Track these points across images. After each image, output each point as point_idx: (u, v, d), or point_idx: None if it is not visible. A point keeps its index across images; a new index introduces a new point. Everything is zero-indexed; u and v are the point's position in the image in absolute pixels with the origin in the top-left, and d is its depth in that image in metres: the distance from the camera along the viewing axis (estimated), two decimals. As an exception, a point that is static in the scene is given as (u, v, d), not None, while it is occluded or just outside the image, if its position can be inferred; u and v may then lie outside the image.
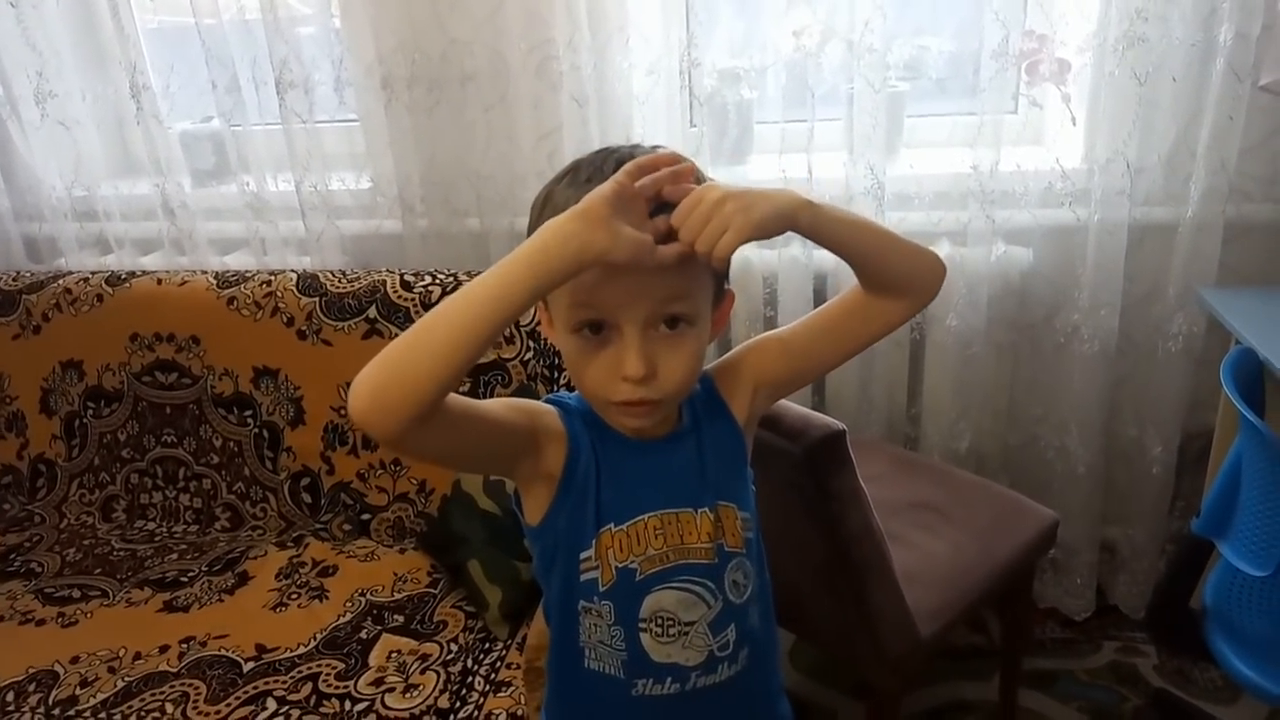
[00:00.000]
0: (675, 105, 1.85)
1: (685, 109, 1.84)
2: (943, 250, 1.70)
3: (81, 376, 1.84)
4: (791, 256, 1.73)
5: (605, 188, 0.68)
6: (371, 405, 0.66)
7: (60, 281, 1.88)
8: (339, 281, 1.75)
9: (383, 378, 0.66)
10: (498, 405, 0.79)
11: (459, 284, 1.72)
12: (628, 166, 0.70)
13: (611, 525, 0.81)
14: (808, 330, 0.87)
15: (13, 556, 1.71)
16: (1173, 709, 1.64)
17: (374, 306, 1.71)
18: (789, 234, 1.80)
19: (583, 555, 0.81)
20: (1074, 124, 1.65)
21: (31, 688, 1.36)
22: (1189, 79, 1.54)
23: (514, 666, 1.32)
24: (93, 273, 1.90)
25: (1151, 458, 1.73)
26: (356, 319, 1.71)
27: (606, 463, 0.81)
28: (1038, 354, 1.76)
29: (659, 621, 0.82)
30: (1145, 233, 1.65)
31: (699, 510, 0.83)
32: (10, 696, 1.34)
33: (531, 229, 0.76)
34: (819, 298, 1.76)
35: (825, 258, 1.74)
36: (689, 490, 0.83)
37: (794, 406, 1.21)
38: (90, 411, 1.84)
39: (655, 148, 0.77)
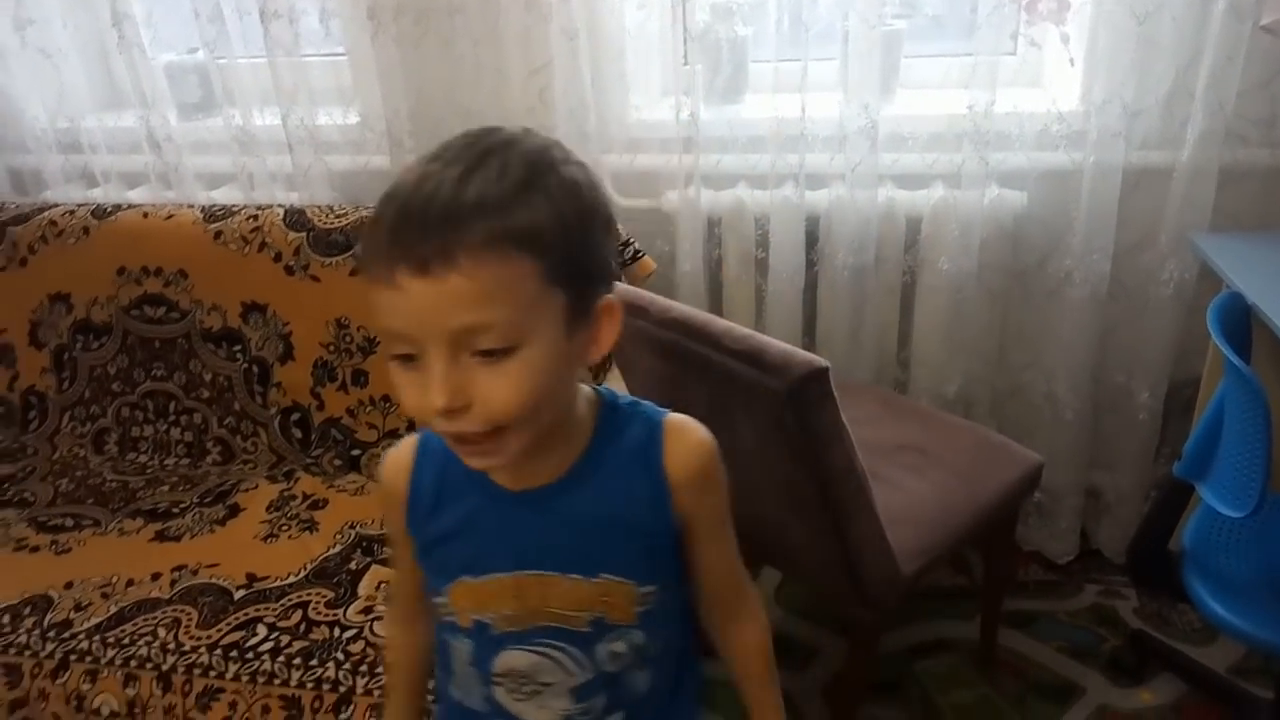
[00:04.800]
0: (668, 41, 1.83)
1: (679, 45, 1.81)
2: (936, 192, 1.68)
3: (70, 309, 1.83)
4: (784, 197, 1.72)
5: None
6: None
7: (46, 214, 1.86)
8: (326, 217, 1.74)
9: None
10: (408, 554, 0.81)
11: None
12: None
13: (466, 577, 0.75)
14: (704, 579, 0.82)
15: (6, 486, 1.72)
16: (1150, 650, 1.67)
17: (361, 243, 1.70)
18: (784, 175, 1.77)
19: (438, 600, 0.78)
20: (1072, 65, 1.63)
21: (27, 611, 1.37)
22: (1189, 18, 1.51)
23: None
24: (78, 205, 1.88)
25: (1139, 404, 1.74)
26: (344, 255, 1.70)
27: (465, 511, 0.75)
28: (1029, 299, 1.76)
29: (513, 678, 0.77)
30: (1140, 177, 1.64)
31: (569, 576, 0.73)
32: (6, 619, 1.36)
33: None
34: (811, 240, 1.75)
35: (818, 200, 1.73)
36: (558, 554, 0.73)
37: (777, 343, 1.21)
38: (79, 344, 1.84)
39: (527, 132, 0.67)
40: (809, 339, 1.83)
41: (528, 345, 0.63)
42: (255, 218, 1.75)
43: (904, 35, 1.72)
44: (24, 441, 1.86)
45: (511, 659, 0.76)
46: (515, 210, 0.61)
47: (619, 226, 1.71)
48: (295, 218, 1.74)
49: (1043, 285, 1.74)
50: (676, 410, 0.76)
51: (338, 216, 1.73)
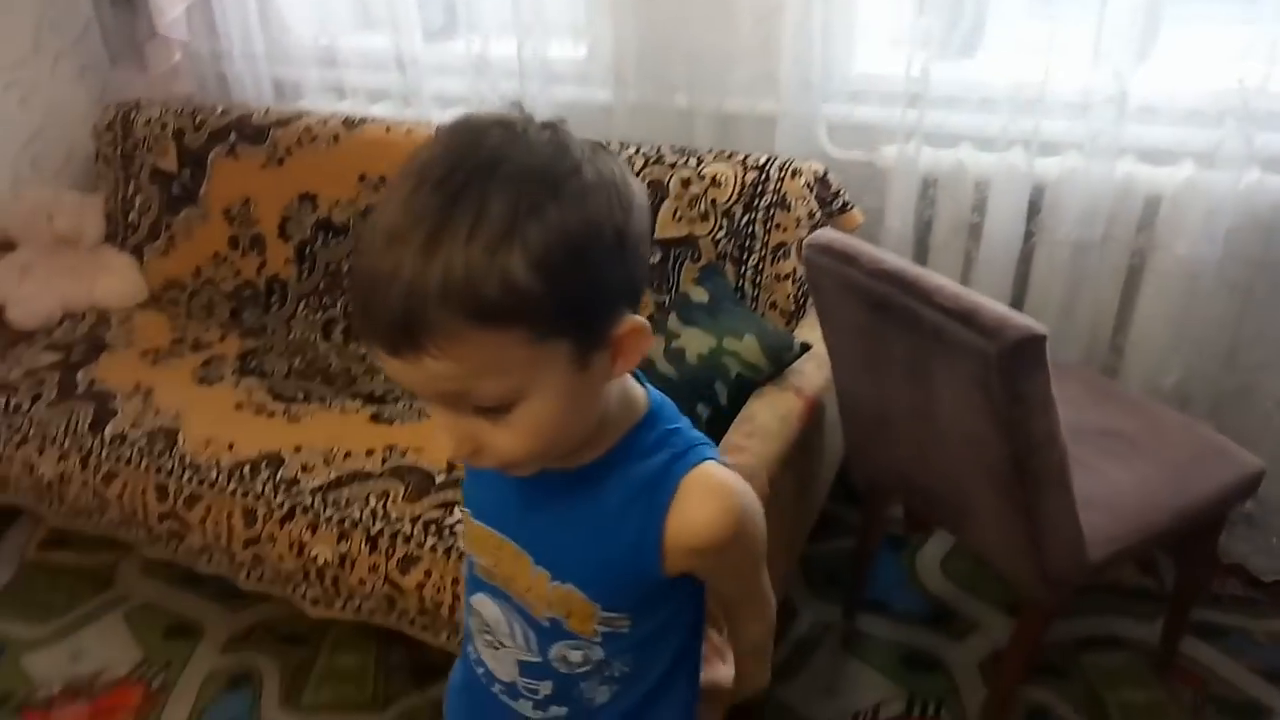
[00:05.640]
0: (905, -9, 1.77)
1: (915, -4, 1.75)
2: (1184, 171, 1.56)
3: (315, 208, 2.02)
4: (1010, 161, 1.64)
5: None
6: None
7: (303, 120, 2.05)
8: (549, 144, 1.82)
9: None
10: None
11: (660, 158, 1.75)
12: None
13: (471, 512, 0.75)
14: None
15: (250, 358, 1.94)
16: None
17: (579, 171, 1.77)
18: (1013, 139, 1.68)
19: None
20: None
21: (263, 465, 1.56)
22: None
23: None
24: (331, 115, 2.05)
25: (1389, 426, 1.57)
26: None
27: None
28: (1276, 295, 1.61)
29: (480, 620, 0.77)
30: None
31: (538, 567, 0.69)
32: (247, 470, 1.56)
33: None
34: (1033, 210, 1.67)
35: (1047, 168, 1.64)
36: (536, 542, 0.70)
37: (992, 304, 1.18)
38: (320, 240, 2.03)
39: (525, 132, 0.57)
40: (1017, 307, 1.75)
41: (528, 399, 0.58)
42: (484, 138, 1.86)
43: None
44: (265, 322, 2.08)
45: (482, 603, 0.76)
46: (485, 284, 0.52)
47: (829, 176, 1.70)
48: (520, 142, 1.83)
49: (1295, 282, 1.58)
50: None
51: (559, 143, 1.81)
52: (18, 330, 2.03)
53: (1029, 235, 1.68)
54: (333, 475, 1.52)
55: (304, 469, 1.55)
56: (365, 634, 1.60)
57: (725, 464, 0.67)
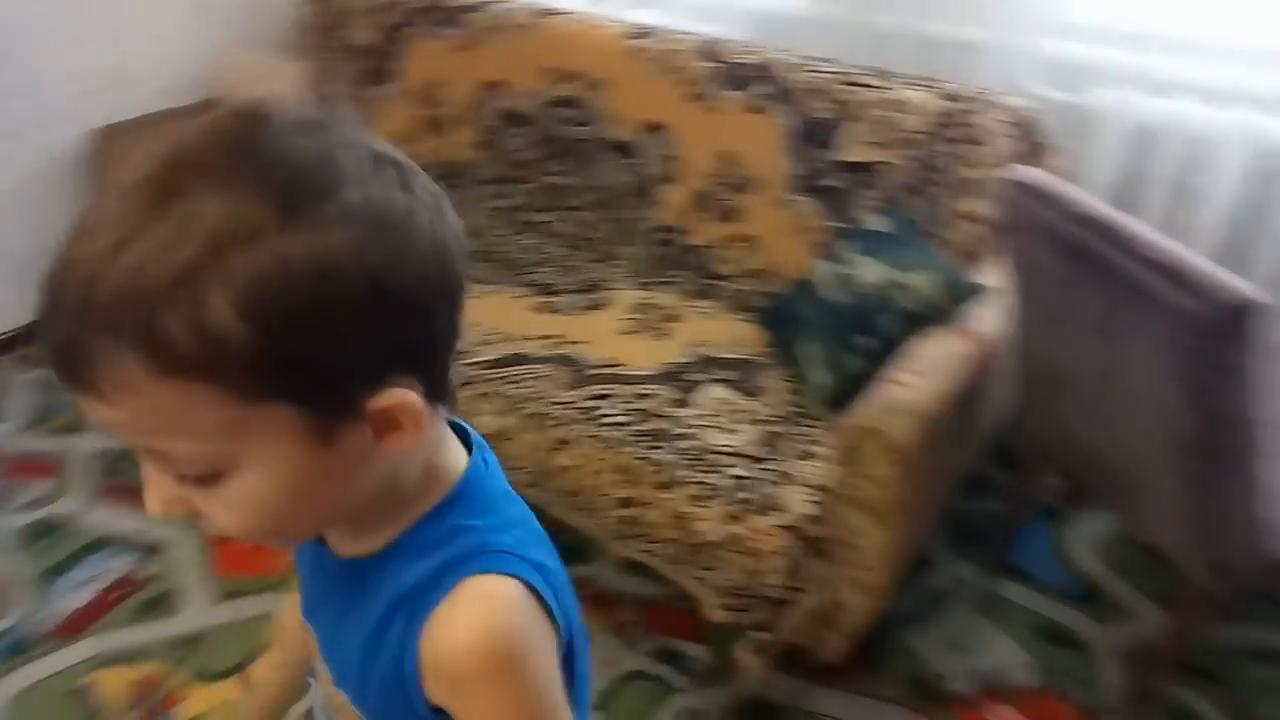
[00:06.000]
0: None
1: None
2: None
3: (501, 96, 2.06)
4: (1237, 121, 1.51)
5: None
6: None
7: (494, 6, 2.07)
8: (736, 53, 1.78)
9: None
10: None
11: (849, 78, 1.68)
12: None
13: (298, 567, 0.66)
14: None
15: (424, 237, 2.02)
16: None
17: (763, 83, 1.74)
18: (1241, 94, 1.53)
19: None
20: None
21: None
22: None
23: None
24: (521, 4, 2.06)
25: None
26: (744, 91, 1.75)
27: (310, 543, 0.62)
28: None
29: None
30: None
31: (325, 662, 0.60)
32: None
33: None
34: (1254, 182, 1.53)
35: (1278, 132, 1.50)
36: (324, 631, 0.60)
37: (1205, 263, 1.09)
38: (503, 129, 2.06)
39: (323, 128, 0.46)
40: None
41: (242, 470, 0.46)
42: (673, 42, 1.84)
43: None
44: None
45: (314, 679, 0.67)
46: (167, 321, 0.41)
47: (1031, 115, 1.60)
48: (708, 49, 1.81)
49: None
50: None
51: (747, 54, 1.77)
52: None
53: (1253, 204, 1.55)
54: (500, 354, 1.59)
55: (481, 343, 1.60)
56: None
57: (529, 583, 0.52)
